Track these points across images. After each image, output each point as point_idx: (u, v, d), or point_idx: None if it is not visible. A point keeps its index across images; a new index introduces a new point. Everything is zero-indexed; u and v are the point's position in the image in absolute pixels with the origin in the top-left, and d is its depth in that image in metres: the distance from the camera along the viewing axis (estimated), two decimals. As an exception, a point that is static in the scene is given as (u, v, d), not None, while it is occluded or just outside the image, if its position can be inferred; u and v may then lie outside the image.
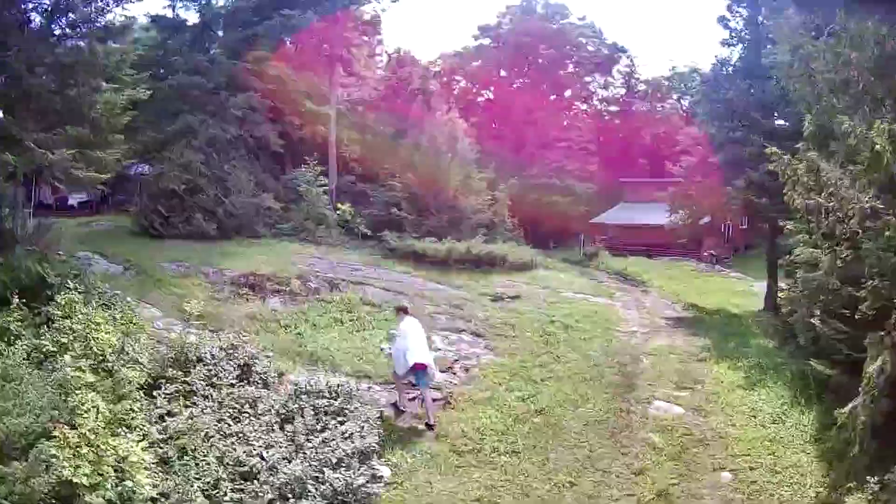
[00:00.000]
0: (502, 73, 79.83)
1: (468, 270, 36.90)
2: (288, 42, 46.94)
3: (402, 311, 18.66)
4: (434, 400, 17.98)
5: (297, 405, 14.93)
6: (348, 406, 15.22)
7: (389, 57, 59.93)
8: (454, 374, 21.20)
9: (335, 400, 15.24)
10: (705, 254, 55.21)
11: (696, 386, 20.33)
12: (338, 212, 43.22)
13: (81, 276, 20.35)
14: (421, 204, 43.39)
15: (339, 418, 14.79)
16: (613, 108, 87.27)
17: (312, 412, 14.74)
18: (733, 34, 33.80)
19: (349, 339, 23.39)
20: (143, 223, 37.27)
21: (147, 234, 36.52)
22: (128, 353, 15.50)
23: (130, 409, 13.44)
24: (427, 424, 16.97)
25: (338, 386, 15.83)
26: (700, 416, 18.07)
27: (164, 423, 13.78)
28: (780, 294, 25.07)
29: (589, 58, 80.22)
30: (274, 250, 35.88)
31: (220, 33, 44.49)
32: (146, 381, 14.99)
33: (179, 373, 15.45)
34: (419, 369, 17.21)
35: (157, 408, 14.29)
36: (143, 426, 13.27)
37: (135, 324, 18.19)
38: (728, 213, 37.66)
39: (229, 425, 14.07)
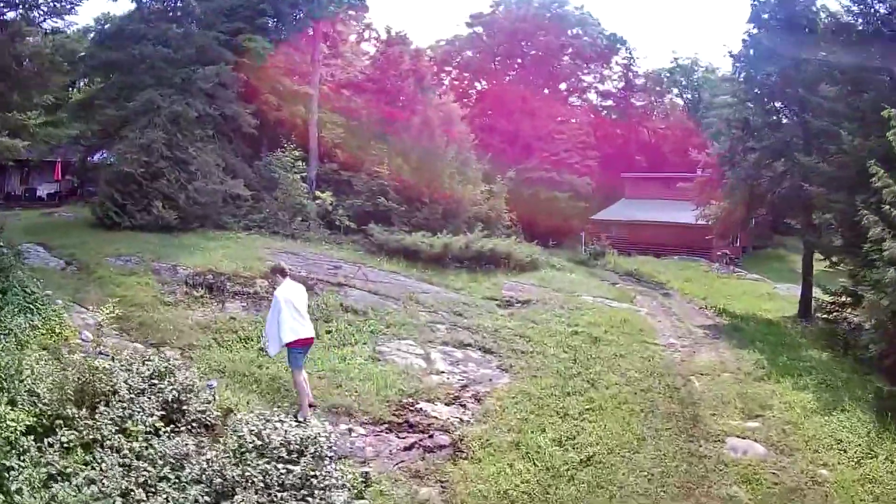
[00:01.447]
0: (496, 62, 77.03)
1: (467, 270, 33.61)
2: (267, 15, 41.68)
3: (279, 272, 15.16)
4: (442, 447, 13.89)
5: (240, 470, 9.94)
6: (316, 472, 10.22)
7: (378, 36, 55.09)
8: (463, 406, 16.47)
9: (296, 463, 10.27)
10: (719, 254, 53.21)
11: (766, 413, 16.71)
12: (317, 201, 38.85)
13: (8, 271, 17.46)
14: (412, 193, 39.29)
15: (302, 493, 9.89)
16: (610, 102, 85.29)
17: (263, 484, 9.78)
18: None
19: (325, 357, 18.89)
20: (99, 213, 33.23)
21: (103, 224, 32.51)
22: (23, 381, 11.07)
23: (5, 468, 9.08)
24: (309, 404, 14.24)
25: (303, 440, 10.80)
26: (784, 456, 14.38)
27: (50, 491, 9.11)
28: (824, 298, 25.48)
29: (586, 49, 77.63)
30: (241, 244, 31.53)
31: (195, 2, 39.29)
32: (39, 422, 10.43)
33: (83, 412, 10.71)
34: (300, 346, 14.26)
35: (45, 465, 9.54)
36: (22, 494, 8.86)
37: (58, 333, 15.63)
38: (763, 206, 33.84)
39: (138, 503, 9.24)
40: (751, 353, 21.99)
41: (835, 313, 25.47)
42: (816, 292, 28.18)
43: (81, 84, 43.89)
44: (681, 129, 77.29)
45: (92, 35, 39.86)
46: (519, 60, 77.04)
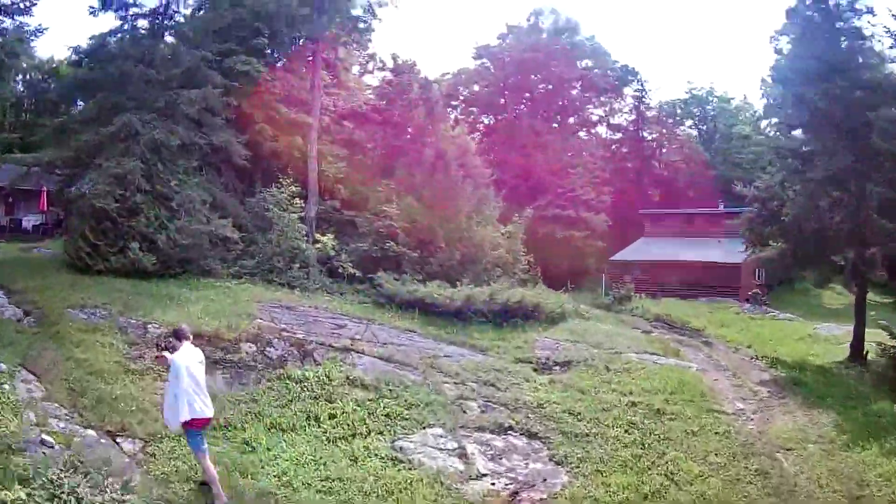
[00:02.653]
0: (505, 95, 73.97)
1: (492, 325, 29.76)
2: (263, 35, 37.56)
3: (179, 336, 13.09)
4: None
5: None
6: None
7: (384, 65, 50.76)
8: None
9: None
10: (750, 293, 49.54)
11: (877, 493, 15.11)
12: (317, 245, 34.26)
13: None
14: (425, 236, 35.09)
15: None
16: (621, 135, 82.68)
17: None
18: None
19: (329, 456, 15.11)
20: (70, 253, 28.59)
21: (75, 266, 27.90)
22: None
23: None
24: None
25: None
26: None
27: None
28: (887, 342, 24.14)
29: (598, 80, 74.92)
30: (229, 295, 27.03)
31: (182, 19, 35.52)
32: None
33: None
34: (199, 427, 12.35)
35: None
36: None
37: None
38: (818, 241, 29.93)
39: None
40: (824, 414, 20.65)
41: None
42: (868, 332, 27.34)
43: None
44: (697, 162, 75.34)
45: (69, 53, 35.28)
46: (528, 93, 74.09)
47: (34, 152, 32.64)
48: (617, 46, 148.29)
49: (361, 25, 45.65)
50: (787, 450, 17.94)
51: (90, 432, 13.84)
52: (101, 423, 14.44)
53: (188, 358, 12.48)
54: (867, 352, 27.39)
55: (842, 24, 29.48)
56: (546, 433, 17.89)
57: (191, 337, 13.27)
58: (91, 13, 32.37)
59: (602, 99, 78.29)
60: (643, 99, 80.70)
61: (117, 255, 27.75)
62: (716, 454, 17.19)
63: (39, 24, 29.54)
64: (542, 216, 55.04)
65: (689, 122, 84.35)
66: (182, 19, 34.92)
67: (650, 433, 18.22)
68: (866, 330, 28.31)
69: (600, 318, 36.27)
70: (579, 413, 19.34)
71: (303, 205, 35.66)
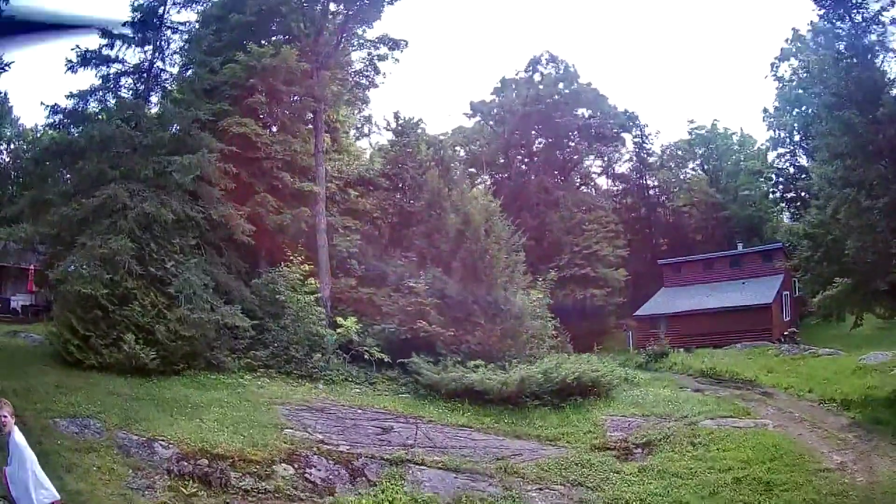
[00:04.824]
0: (509, 151, 71.75)
1: (551, 407, 26.61)
2: (259, 93, 33.60)
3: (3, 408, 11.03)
4: None
5: None
6: None
7: (387, 124, 46.99)
8: None
9: None
10: (786, 333, 49.41)
11: None
12: (338, 330, 29.84)
13: None
14: (458, 312, 30.78)
15: None
16: (624, 185, 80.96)
17: None
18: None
19: None
20: (57, 345, 24.30)
21: (63, 360, 23.61)
22: None
23: None
24: None
25: None
26: None
27: None
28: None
29: (601, 129, 72.89)
30: (244, 395, 23.01)
31: (171, 77, 32.25)
32: None
33: None
34: None
35: None
36: None
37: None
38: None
39: None
40: None
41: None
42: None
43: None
44: (706, 204, 73.24)
45: (46, 113, 31.14)
46: (530, 149, 72.70)
47: (11, 226, 28.32)
48: (614, 90, 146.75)
49: (364, 81, 41.89)
50: None
51: None
52: None
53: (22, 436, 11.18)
54: None
55: (870, 39, 28.22)
56: None
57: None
58: (69, 69, 28.90)
59: (603, 148, 75.92)
60: (644, 145, 78.73)
61: (110, 349, 23.53)
62: None
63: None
64: (560, 277, 51.76)
65: (691, 164, 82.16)
66: (169, 77, 31.49)
67: None
68: None
69: (647, 381, 33.98)
70: (688, 503, 17.62)
71: (316, 284, 31.45)
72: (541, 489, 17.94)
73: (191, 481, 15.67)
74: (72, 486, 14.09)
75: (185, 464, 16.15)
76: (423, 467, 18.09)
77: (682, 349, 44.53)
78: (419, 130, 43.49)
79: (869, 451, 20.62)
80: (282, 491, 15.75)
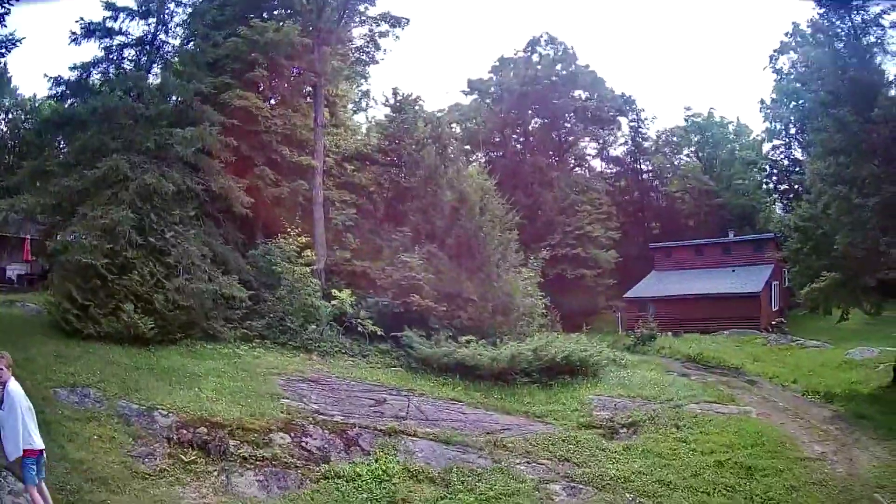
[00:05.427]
0: (504, 130, 72.09)
1: (539, 385, 26.80)
2: (261, 67, 34.06)
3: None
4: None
5: None
6: None
7: (386, 100, 47.20)
8: None
9: None
10: (773, 322, 50.49)
11: None
12: (333, 302, 30.17)
13: None
14: (451, 287, 31.27)
15: None
16: (619, 168, 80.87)
17: None
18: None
19: None
20: (55, 314, 24.53)
21: (61, 329, 23.74)
22: None
23: None
24: None
25: None
26: None
27: None
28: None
29: (598, 111, 73.12)
30: (241, 366, 23.33)
31: (173, 49, 32.31)
32: None
33: None
34: (35, 456, 11.73)
35: None
36: None
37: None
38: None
39: None
40: None
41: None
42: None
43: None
44: (699, 191, 73.41)
45: (49, 84, 31.31)
46: (526, 128, 72.64)
47: (13, 196, 28.52)
48: (612, 74, 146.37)
49: (364, 57, 42.11)
50: (881, 487, 17.43)
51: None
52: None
53: (19, 386, 11.97)
54: None
55: (870, 39, 28.84)
56: None
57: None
58: (73, 41, 29.03)
59: (599, 131, 76.03)
60: (640, 129, 78.92)
61: (109, 318, 23.78)
62: None
63: (12, 34, 25.74)
64: (552, 256, 52.60)
65: (686, 151, 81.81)
66: (172, 49, 31.68)
67: (753, 496, 17.04)
68: (886, 348, 30.25)
69: (634, 363, 34.12)
70: (671, 482, 17.59)
71: (313, 256, 31.86)
72: (528, 463, 18.29)
73: (190, 449, 16.04)
74: (74, 454, 14.55)
75: (185, 432, 16.51)
76: (415, 438, 18.50)
77: (669, 333, 45.02)
78: (417, 107, 43.52)
79: (850, 444, 21.04)
80: (279, 459, 16.14)
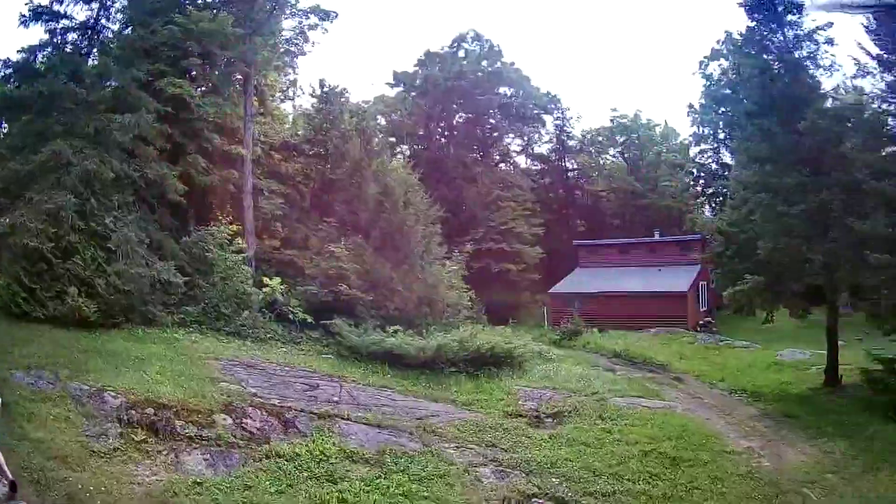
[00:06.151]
0: (429, 124, 71.92)
1: (466, 375, 27.59)
2: (194, 56, 34.40)
3: None
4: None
5: None
6: None
7: (313, 90, 47.74)
8: None
9: None
10: (701, 322, 50.62)
11: None
12: (264, 289, 30.95)
13: None
14: (377, 277, 32.11)
15: None
16: (543, 166, 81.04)
17: None
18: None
19: None
20: (5, 297, 24.64)
21: (11, 312, 24.08)
22: None
23: None
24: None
25: None
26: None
27: None
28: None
29: (522, 109, 73.99)
30: (180, 350, 24.11)
31: (112, 35, 32.67)
32: None
33: None
34: None
35: None
36: None
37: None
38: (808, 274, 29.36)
39: None
40: (829, 443, 21.07)
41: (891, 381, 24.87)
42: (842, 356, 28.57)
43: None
44: (623, 191, 74.27)
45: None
46: (450, 123, 72.82)
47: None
48: (538, 74, 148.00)
49: (293, 49, 42.81)
50: (811, 483, 18.24)
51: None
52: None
53: None
54: (842, 376, 28.17)
55: (801, 53, 29.91)
56: (574, 497, 16.94)
57: None
58: (22, 24, 29.62)
59: (524, 128, 76.70)
60: (564, 128, 79.75)
61: (55, 301, 24.36)
62: (748, 498, 17.37)
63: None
64: (476, 250, 53.69)
65: (612, 151, 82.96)
66: (111, 35, 32.03)
67: (677, 484, 17.81)
68: (818, 351, 30.66)
69: (560, 357, 34.60)
70: (597, 469, 18.43)
71: (243, 244, 32.57)
72: (458, 447, 19.18)
73: (139, 429, 16.61)
74: (33, 434, 15.07)
75: (134, 412, 17.11)
76: (348, 422, 19.38)
77: (595, 329, 45.20)
78: (343, 99, 44.19)
79: (777, 441, 21.90)
80: (223, 439, 16.87)
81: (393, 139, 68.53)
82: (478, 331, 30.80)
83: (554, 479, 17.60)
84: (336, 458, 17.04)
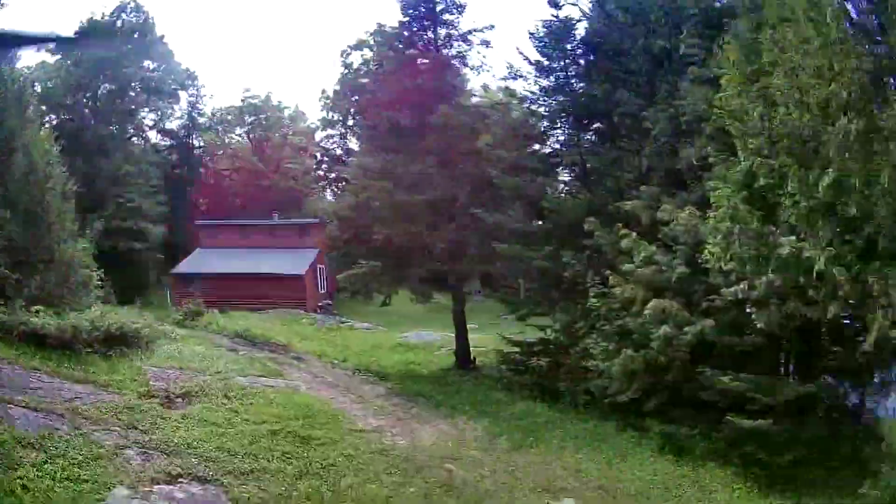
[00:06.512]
0: (76, 94, 69.68)
1: (100, 355, 27.16)
2: None
3: None
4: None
5: None
6: None
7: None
8: None
9: None
10: (320, 304, 54.46)
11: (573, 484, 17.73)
12: None
13: None
14: (23, 256, 32.01)
15: None
16: (173, 142, 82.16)
17: None
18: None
19: None
20: None
21: None
22: None
23: None
24: None
25: None
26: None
27: None
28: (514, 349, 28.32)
29: (161, 84, 74.48)
30: None
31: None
32: None
33: None
34: None
35: None
36: None
37: None
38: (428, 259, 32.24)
39: None
40: (469, 421, 22.52)
41: (530, 362, 27.76)
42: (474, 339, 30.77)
43: None
44: (248, 172, 76.32)
45: None
46: (94, 94, 70.99)
47: None
48: (182, 47, 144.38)
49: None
50: (455, 459, 18.85)
51: None
52: None
53: None
54: (475, 358, 30.68)
55: (449, 51, 32.28)
56: (216, 475, 17.01)
57: None
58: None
59: (160, 103, 76.72)
60: (197, 105, 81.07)
61: None
62: (387, 473, 17.61)
63: None
64: (106, 229, 51.54)
65: (239, 130, 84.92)
66: None
67: (311, 462, 18.01)
68: (446, 333, 32.19)
69: (184, 337, 35.13)
70: (231, 449, 18.46)
71: None
72: (103, 430, 19.06)
73: None
74: None
75: None
76: (12, 406, 19.02)
77: (216, 310, 45.15)
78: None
79: (409, 419, 22.94)
80: None
81: (44, 107, 66.65)
82: (108, 311, 31.08)
83: (193, 460, 17.70)
84: (9, 444, 16.59)
